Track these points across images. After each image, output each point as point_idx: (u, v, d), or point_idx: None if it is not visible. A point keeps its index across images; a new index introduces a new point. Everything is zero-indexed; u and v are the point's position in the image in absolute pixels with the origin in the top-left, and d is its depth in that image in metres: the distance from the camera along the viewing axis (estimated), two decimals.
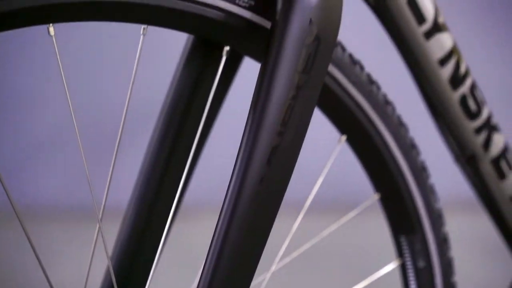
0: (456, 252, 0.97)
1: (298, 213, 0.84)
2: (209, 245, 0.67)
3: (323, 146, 1.02)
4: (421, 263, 0.90)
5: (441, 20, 0.85)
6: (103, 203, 0.75)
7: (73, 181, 2.47)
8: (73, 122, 0.71)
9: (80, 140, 0.72)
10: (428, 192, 0.89)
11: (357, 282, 0.91)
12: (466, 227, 2.23)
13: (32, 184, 2.56)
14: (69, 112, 0.69)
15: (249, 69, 0.92)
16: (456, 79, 0.87)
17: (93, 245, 0.74)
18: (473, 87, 0.89)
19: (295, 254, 0.86)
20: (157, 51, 1.86)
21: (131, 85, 0.72)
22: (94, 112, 2.52)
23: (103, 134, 2.46)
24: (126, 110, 0.73)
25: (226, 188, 0.67)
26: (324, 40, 0.68)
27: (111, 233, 0.84)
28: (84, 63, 2.49)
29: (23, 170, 2.56)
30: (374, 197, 0.88)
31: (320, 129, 0.93)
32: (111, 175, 0.74)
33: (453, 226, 1.14)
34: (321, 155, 1.03)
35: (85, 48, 2.46)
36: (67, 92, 0.69)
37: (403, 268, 0.92)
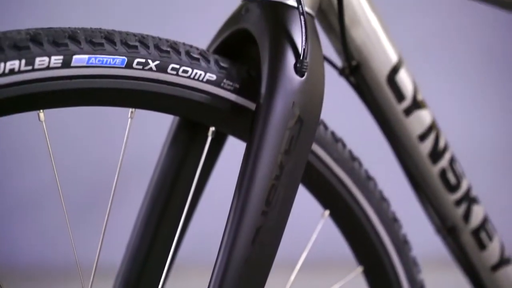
0: None
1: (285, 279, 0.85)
2: None
3: (308, 218, 1.03)
4: None
5: (419, 97, 0.88)
6: (91, 278, 0.76)
7: (57, 244, 2.46)
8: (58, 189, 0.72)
9: (64, 204, 0.72)
10: (410, 265, 0.90)
11: None
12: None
13: (15, 244, 2.54)
14: (54, 177, 0.70)
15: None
16: (436, 154, 0.89)
17: None
18: (452, 161, 0.91)
19: None
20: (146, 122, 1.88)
21: (119, 165, 0.73)
22: (80, 177, 2.52)
23: (89, 200, 2.46)
24: (117, 181, 0.74)
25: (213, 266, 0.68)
26: (306, 121, 0.70)
27: None
28: (74, 135, 2.50)
29: (3, 229, 2.55)
30: (358, 269, 0.89)
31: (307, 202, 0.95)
32: (100, 248, 0.75)
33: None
34: (307, 225, 1.04)
35: (74, 121, 2.47)
36: (53, 164, 0.70)
37: None
